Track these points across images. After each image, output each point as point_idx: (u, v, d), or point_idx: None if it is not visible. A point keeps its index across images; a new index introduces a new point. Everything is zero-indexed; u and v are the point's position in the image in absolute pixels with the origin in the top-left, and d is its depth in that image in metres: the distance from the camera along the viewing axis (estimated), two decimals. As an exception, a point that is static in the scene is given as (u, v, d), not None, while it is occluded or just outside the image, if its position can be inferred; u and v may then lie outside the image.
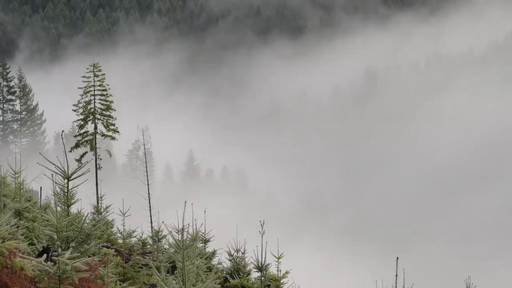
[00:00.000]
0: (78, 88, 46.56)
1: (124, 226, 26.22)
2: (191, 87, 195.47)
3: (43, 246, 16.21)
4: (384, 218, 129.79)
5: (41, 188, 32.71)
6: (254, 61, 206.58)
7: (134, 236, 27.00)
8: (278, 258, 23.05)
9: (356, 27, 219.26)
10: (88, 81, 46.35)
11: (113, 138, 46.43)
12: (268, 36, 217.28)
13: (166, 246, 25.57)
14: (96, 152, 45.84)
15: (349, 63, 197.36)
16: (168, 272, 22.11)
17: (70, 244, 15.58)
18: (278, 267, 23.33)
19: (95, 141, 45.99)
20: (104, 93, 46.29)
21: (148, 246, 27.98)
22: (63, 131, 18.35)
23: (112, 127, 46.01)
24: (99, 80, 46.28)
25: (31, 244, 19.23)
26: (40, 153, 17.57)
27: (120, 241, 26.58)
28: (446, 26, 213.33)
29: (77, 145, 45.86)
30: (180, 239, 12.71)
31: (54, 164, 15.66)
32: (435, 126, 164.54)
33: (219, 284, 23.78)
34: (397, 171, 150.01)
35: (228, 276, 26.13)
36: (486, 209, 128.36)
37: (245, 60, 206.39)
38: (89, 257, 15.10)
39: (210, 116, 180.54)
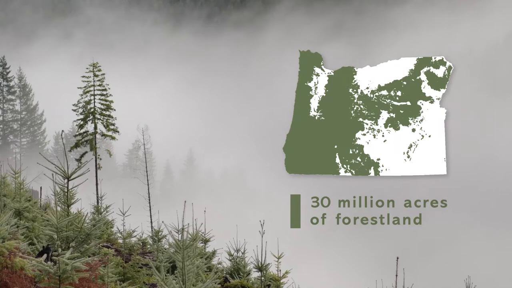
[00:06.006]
0: (78, 88, 46.60)
1: (124, 226, 26.22)
2: (191, 86, 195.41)
3: (43, 246, 16.20)
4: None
5: (41, 188, 32.73)
6: (254, 57, 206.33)
7: (134, 236, 27.02)
8: (278, 258, 23.04)
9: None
10: (87, 81, 46.38)
11: (113, 138, 46.45)
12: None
13: (166, 246, 25.57)
14: (96, 152, 45.86)
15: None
16: (168, 272, 22.13)
17: (70, 244, 15.58)
18: (278, 267, 23.32)
19: (95, 141, 46.02)
20: (104, 92, 46.32)
21: (148, 246, 28.00)
22: (63, 131, 18.33)
23: (112, 127, 46.04)
24: (99, 80, 46.30)
25: (31, 244, 19.21)
26: (40, 153, 17.57)
27: (120, 241, 26.59)
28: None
29: (77, 145, 45.90)
30: (180, 239, 12.71)
31: (54, 164, 15.66)
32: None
33: (219, 284, 23.77)
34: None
35: (228, 276, 26.13)
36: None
37: (243, 57, 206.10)
38: (89, 257, 15.10)
39: (211, 114, 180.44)
